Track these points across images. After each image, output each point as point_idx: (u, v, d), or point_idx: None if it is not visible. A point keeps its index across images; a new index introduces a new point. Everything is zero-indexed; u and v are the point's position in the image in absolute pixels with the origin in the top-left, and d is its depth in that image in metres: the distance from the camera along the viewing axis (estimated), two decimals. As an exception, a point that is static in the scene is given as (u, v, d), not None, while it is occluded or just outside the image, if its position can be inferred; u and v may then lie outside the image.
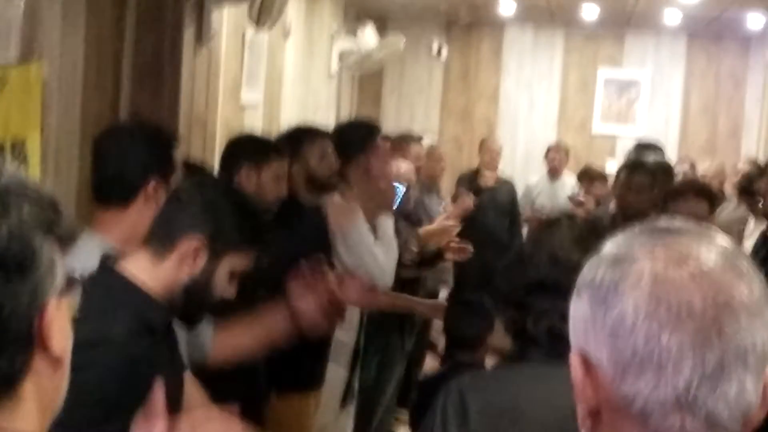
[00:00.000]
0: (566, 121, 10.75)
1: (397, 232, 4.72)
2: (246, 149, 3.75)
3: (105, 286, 2.11)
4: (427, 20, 10.64)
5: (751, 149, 9.47)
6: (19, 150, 3.31)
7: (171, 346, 2.26)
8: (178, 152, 2.78)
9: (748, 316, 1.02)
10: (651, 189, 4.86)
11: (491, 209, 8.06)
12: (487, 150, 8.50)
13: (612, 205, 6.79)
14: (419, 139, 7.18)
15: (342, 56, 8.71)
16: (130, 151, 2.70)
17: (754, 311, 1.02)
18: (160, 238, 2.21)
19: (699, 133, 10.54)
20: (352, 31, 9.11)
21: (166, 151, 2.72)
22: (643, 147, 7.51)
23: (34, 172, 3.40)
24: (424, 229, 6.05)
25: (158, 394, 1.83)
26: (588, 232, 1.97)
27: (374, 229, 4.36)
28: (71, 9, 3.80)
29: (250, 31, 6.22)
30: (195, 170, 3.32)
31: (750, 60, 10.31)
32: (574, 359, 1.08)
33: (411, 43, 9.65)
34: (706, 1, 8.12)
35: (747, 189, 6.09)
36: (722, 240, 1.08)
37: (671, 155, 8.94)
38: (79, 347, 1.92)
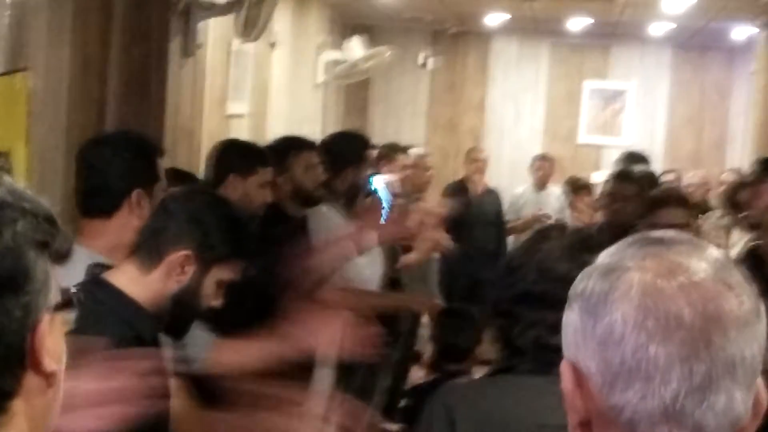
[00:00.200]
0: (552, 132, 10.78)
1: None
2: (232, 158, 3.76)
3: (93, 297, 2.10)
4: (414, 31, 10.66)
5: (735, 160, 9.51)
6: (4, 161, 3.30)
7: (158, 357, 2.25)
8: (162, 162, 2.78)
9: (737, 328, 1.01)
10: (637, 199, 4.87)
11: (477, 219, 8.07)
12: (473, 159, 8.51)
13: (598, 215, 6.81)
14: (406, 149, 7.19)
15: (328, 67, 8.72)
16: (113, 161, 2.69)
17: (744, 323, 1.02)
18: (147, 249, 2.21)
19: (684, 144, 10.58)
20: (339, 42, 9.11)
21: (150, 161, 2.71)
22: (629, 157, 7.54)
23: (20, 182, 3.39)
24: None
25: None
26: (577, 244, 1.97)
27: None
28: (57, 20, 3.79)
29: (236, 43, 6.21)
30: (183, 177, 3.32)
31: (735, 71, 10.36)
32: (565, 369, 1.08)
33: (397, 53, 9.65)
34: (691, 12, 8.16)
35: (731, 199, 6.11)
36: (714, 251, 1.08)
37: (657, 166, 8.95)
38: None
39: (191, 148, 5.48)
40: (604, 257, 1.10)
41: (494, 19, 9.65)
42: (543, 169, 8.94)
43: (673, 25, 9.27)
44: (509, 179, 10.17)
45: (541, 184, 8.91)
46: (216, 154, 3.90)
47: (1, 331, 0.98)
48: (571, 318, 1.09)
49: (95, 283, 2.15)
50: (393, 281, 5.22)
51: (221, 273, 2.26)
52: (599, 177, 9.80)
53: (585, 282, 1.09)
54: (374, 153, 5.45)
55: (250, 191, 3.64)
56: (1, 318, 0.97)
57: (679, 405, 1.00)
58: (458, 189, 8.40)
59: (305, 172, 4.10)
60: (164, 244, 2.19)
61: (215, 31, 5.89)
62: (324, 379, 4.34)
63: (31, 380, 1.02)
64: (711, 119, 10.55)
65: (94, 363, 1.58)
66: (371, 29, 10.33)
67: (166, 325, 2.25)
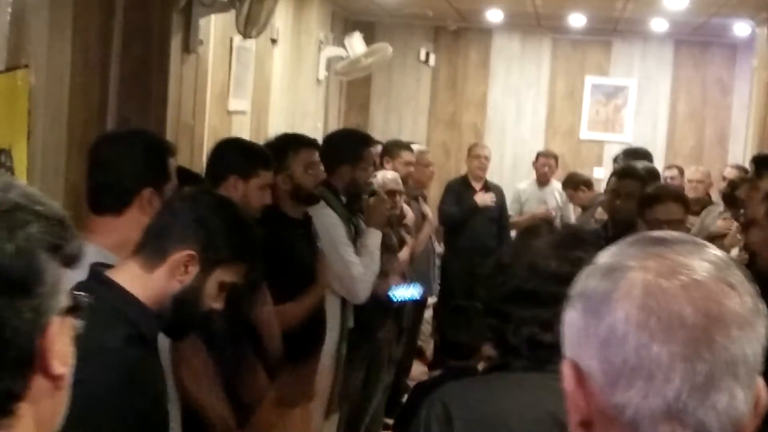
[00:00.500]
0: (554, 128, 10.77)
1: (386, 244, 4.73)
2: (234, 158, 3.73)
3: (96, 295, 2.10)
4: (415, 27, 10.66)
5: (737, 156, 9.50)
6: (5, 158, 3.30)
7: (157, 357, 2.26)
8: (174, 162, 2.79)
9: (739, 327, 1.02)
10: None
11: (479, 215, 8.07)
12: (476, 156, 8.52)
13: (599, 211, 6.81)
14: (409, 145, 7.20)
15: (330, 63, 8.72)
16: (126, 159, 2.70)
17: (746, 322, 1.02)
18: (151, 248, 2.21)
19: (686, 140, 10.57)
20: (340, 38, 9.11)
21: (162, 160, 2.72)
22: (630, 153, 7.53)
23: (21, 179, 3.39)
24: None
25: None
26: (565, 241, 1.97)
27: (359, 241, 4.37)
28: (58, 16, 3.79)
29: (237, 39, 6.21)
30: (189, 177, 3.32)
31: (736, 67, 10.34)
32: (567, 369, 1.08)
33: (399, 50, 9.65)
34: (692, 8, 8.15)
35: (730, 196, 6.11)
36: (714, 251, 1.08)
37: (659, 162, 8.96)
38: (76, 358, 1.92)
39: (192, 145, 5.48)
40: (605, 257, 1.10)
41: (495, 15, 9.64)
42: (547, 165, 8.94)
43: (675, 21, 9.26)
44: (511, 175, 10.18)
45: (544, 180, 8.92)
46: (217, 153, 3.88)
47: (11, 333, 0.98)
48: (572, 317, 1.09)
49: (98, 281, 2.15)
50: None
51: (224, 275, 2.26)
52: (601, 173, 9.83)
53: (586, 281, 1.09)
54: (376, 150, 5.45)
55: (250, 193, 3.63)
56: (11, 320, 0.98)
57: (681, 404, 1.00)
58: (460, 185, 8.41)
59: (305, 171, 4.07)
60: (168, 244, 2.20)
61: (216, 28, 5.89)
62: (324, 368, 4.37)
63: (39, 383, 1.02)
64: (713, 115, 10.54)
65: None
66: (372, 25, 10.32)
67: (167, 325, 2.25)
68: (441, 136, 10.88)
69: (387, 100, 10.90)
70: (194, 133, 5.52)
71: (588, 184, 8.39)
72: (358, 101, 10.80)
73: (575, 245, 1.93)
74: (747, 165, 7.28)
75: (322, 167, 4.18)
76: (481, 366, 3.94)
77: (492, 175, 8.72)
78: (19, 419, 1.01)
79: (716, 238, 5.64)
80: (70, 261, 1.05)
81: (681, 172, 8.27)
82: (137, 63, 4.38)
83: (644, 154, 7.33)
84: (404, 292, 5.35)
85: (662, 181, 6.88)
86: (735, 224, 5.75)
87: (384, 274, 4.88)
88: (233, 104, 6.47)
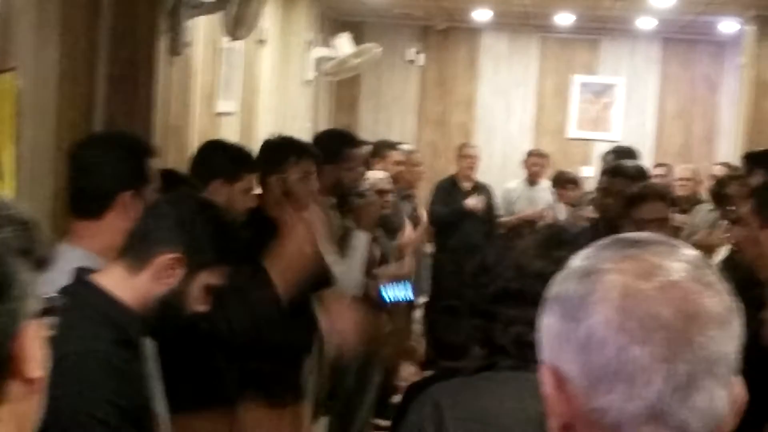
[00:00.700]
0: (542, 127, 10.79)
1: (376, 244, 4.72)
2: (219, 162, 3.70)
3: (82, 298, 2.11)
4: (403, 27, 10.66)
5: (725, 153, 9.53)
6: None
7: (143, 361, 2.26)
8: (155, 163, 2.77)
9: (716, 326, 1.02)
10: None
11: (468, 215, 8.09)
12: (465, 156, 8.53)
13: (589, 210, 6.83)
14: (396, 145, 7.20)
15: (318, 64, 8.72)
16: (104, 162, 2.68)
17: (723, 321, 1.03)
18: (135, 251, 2.21)
19: (674, 138, 10.60)
20: (328, 39, 9.11)
21: (141, 162, 2.70)
22: (618, 152, 7.55)
23: (8, 183, 3.38)
24: (401, 243, 6.05)
25: None
26: (550, 240, 1.99)
27: (346, 243, 4.35)
28: (45, 19, 3.78)
29: (224, 40, 6.20)
30: (177, 179, 3.30)
31: (724, 64, 10.37)
32: (546, 374, 1.08)
33: (387, 49, 9.65)
34: (680, 6, 8.17)
35: (719, 194, 6.12)
36: (689, 251, 1.08)
37: (647, 160, 8.97)
38: (65, 360, 1.93)
39: (180, 147, 5.47)
40: (580, 260, 1.10)
41: (483, 14, 9.66)
42: (538, 164, 8.96)
43: (662, 19, 9.28)
44: (500, 174, 10.19)
45: (534, 179, 8.93)
46: (201, 157, 3.85)
47: None
48: (549, 321, 1.09)
49: (83, 284, 2.16)
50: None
51: (209, 278, 2.26)
52: (589, 171, 9.85)
53: (562, 285, 1.09)
54: (364, 150, 5.43)
55: (235, 197, 3.61)
56: None
57: (663, 405, 1.00)
58: (450, 185, 8.42)
59: (300, 180, 4.03)
60: (153, 247, 2.19)
61: (203, 29, 5.88)
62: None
63: (14, 387, 1.02)
64: (700, 113, 10.58)
65: None
66: (360, 25, 10.33)
67: (152, 328, 2.25)
68: (430, 136, 10.89)
69: (376, 100, 10.91)
70: (182, 135, 5.52)
71: (575, 182, 8.41)
72: (347, 101, 10.81)
73: (559, 245, 1.94)
74: (735, 162, 7.31)
75: (316, 180, 4.12)
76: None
77: (481, 175, 8.74)
78: (0, 423, 1.01)
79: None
80: (41, 265, 1.05)
81: (669, 170, 8.29)
82: (124, 65, 4.37)
83: (630, 153, 7.35)
84: (396, 292, 5.35)
85: (652, 179, 6.89)
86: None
87: (373, 276, 4.88)
88: (221, 106, 6.47)
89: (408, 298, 5.74)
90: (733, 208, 5.02)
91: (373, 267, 5.13)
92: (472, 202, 8.12)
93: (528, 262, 1.93)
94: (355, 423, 5.48)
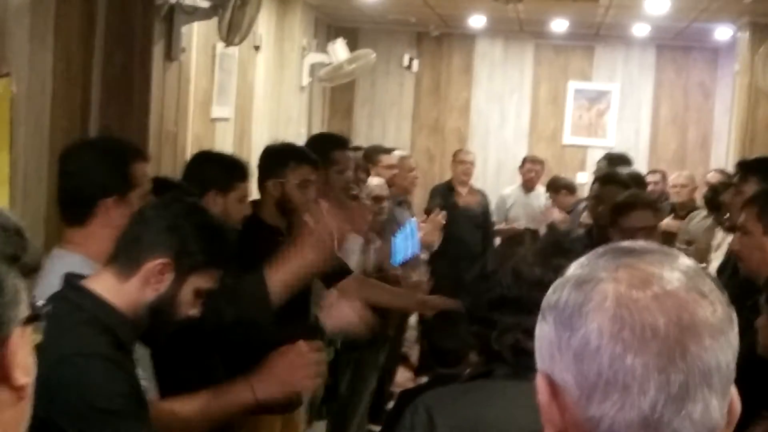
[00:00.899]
0: (537, 133, 10.80)
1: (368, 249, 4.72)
2: (211, 174, 3.68)
3: (74, 303, 2.11)
4: (398, 33, 10.67)
5: (720, 160, 9.54)
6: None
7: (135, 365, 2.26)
8: (144, 167, 2.75)
9: (711, 336, 1.02)
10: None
11: (464, 221, 8.09)
12: (460, 162, 8.53)
13: (584, 216, 6.83)
14: (390, 150, 7.20)
15: (313, 69, 8.72)
16: (88, 168, 2.66)
17: (718, 331, 1.03)
18: (125, 257, 2.20)
19: (668, 145, 10.61)
20: (323, 45, 9.11)
21: (124, 167, 2.66)
22: (611, 159, 7.55)
23: (2, 189, 3.38)
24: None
25: None
26: (549, 248, 1.99)
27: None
28: (40, 24, 3.78)
29: (220, 46, 6.21)
30: (170, 186, 3.29)
31: (718, 71, 10.39)
32: (541, 382, 1.08)
33: (382, 55, 9.66)
34: (674, 13, 8.18)
35: (714, 201, 6.12)
36: (685, 260, 1.08)
37: (641, 166, 9.00)
38: (70, 363, 1.93)
39: (176, 152, 5.47)
40: (576, 268, 1.10)
41: (478, 20, 9.67)
42: (534, 171, 8.96)
43: (657, 26, 9.30)
44: (494, 180, 10.20)
45: (530, 186, 8.93)
46: (193, 168, 3.82)
47: None
48: (545, 330, 1.09)
49: (75, 290, 2.15)
50: None
51: (199, 281, 2.25)
52: (584, 178, 9.86)
53: (558, 293, 1.08)
54: (355, 154, 5.42)
55: (230, 206, 3.60)
56: None
57: (657, 415, 1.00)
58: (445, 190, 8.43)
59: (298, 186, 4.01)
60: (142, 252, 2.19)
61: (199, 35, 5.88)
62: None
63: (1, 394, 1.02)
64: (695, 119, 10.59)
65: None
66: (355, 31, 10.33)
67: (143, 333, 2.25)
68: (425, 142, 10.89)
69: (370, 106, 10.91)
70: (177, 140, 5.52)
71: (569, 188, 8.41)
72: (342, 107, 10.81)
73: (558, 253, 1.95)
74: (730, 169, 7.31)
75: (313, 189, 4.11)
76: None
77: (476, 181, 8.75)
78: None
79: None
80: (29, 271, 1.05)
81: (664, 176, 8.30)
82: (119, 71, 4.37)
83: (624, 160, 7.36)
84: (404, 252, 5.39)
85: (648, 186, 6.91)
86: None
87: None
88: (216, 111, 6.47)
89: (415, 252, 5.81)
90: (727, 215, 5.04)
91: (368, 269, 5.14)
92: (464, 200, 8.19)
93: (527, 269, 1.93)
94: (350, 428, 5.48)
